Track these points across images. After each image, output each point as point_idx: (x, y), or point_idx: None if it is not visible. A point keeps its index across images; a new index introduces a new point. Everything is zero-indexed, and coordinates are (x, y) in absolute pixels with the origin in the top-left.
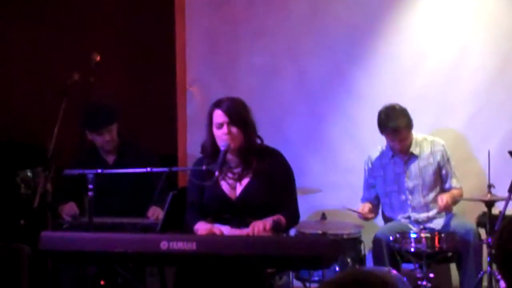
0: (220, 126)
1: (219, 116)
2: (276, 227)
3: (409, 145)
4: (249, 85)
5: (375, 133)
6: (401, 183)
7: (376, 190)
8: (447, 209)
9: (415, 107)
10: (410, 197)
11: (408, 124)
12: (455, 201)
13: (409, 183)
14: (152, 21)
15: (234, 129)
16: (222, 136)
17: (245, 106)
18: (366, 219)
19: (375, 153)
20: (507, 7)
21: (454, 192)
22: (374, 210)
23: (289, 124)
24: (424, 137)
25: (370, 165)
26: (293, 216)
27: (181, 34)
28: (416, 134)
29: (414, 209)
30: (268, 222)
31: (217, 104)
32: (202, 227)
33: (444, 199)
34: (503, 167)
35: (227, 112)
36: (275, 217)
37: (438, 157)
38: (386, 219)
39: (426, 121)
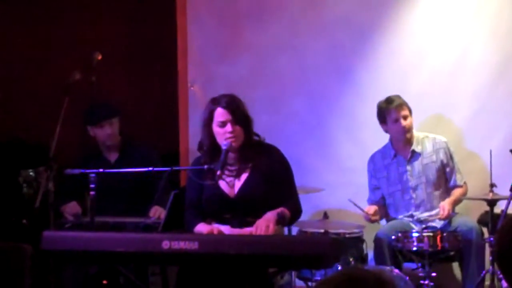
0: (223, 124)
1: (221, 114)
2: (281, 220)
3: (411, 138)
4: (250, 83)
5: (377, 132)
6: (404, 181)
7: (381, 191)
8: (448, 217)
9: (417, 105)
10: (413, 195)
11: (409, 106)
12: (457, 202)
13: (413, 181)
14: (153, 19)
15: (237, 127)
16: (225, 134)
17: (242, 102)
18: (370, 220)
19: (377, 154)
20: (510, 5)
21: (457, 193)
22: (380, 212)
23: (290, 122)
24: (426, 135)
25: (373, 166)
26: (296, 209)
27: (183, 32)
28: (417, 132)
29: (417, 207)
30: (271, 221)
31: (217, 102)
32: (203, 229)
33: (446, 208)
34: (505, 166)
35: (230, 110)
36: (279, 210)
37: (441, 155)
38: (390, 219)
39: (428, 119)
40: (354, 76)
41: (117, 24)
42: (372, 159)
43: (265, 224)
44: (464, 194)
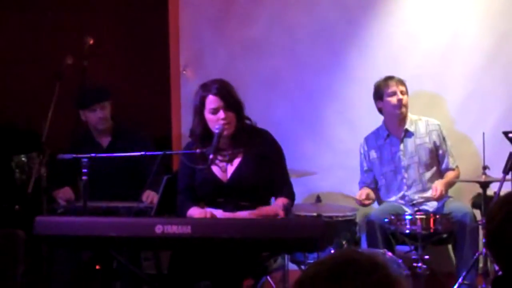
0: (215, 111)
1: (213, 101)
2: (286, 212)
3: (405, 118)
4: (241, 66)
5: (370, 114)
6: (397, 161)
7: (373, 173)
8: (441, 198)
9: (409, 88)
10: (406, 175)
11: (406, 86)
12: (450, 185)
13: (405, 161)
14: (145, 4)
15: (229, 113)
16: (217, 121)
17: (233, 88)
18: (363, 204)
19: (370, 136)
20: None
21: (450, 175)
22: (372, 195)
23: (282, 106)
24: (419, 117)
25: (366, 148)
26: (292, 195)
27: (174, 17)
28: (411, 114)
29: (409, 187)
30: (280, 212)
31: (208, 89)
32: (196, 213)
33: (438, 189)
34: (498, 148)
35: (221, 96)
36: (283, 202)
37: (434, 137)
38: (380, 202)
39: (421, 102)
40: (346, 59)
41: (108, 9)
42: (365, 142)
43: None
44: (457, 177)
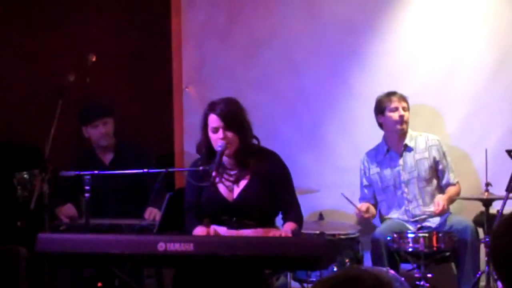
0: (216, 130)
1: (214, 120)
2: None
3: (405, 134)
4: (245, 84)
5: (372, 132)
6: (397, 176)
7: (372, 188)
8: (443, 213)
9: (412, 105)
10: (406, 189)
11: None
12: (452, 200)
13: (405, 176)
14: (148, 21)
15: (229, 134)
16: (217, 140)
17: (239, 108)
18: (362, 217)
19: (370, 153)
20: (506, 3)
21: (451, 191)
22: (372, 210)
23: (284, 123)
24: (419, 133)
25: (366, 164)
26: (301, 218)
27: (177, 34)
28: (411, 130)
29: (410, 202)
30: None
31: (212, 108)
32: (200, 233)
33: (440, 203)
34: (501, 166)
35: (222, 117)
36: (292, 227)
37: (434, 152)
38: (383, 218)
39: (423, 119)
40: (348, 76)
41: (111, 26)
42: (365, 157)
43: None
44: (458, 193)
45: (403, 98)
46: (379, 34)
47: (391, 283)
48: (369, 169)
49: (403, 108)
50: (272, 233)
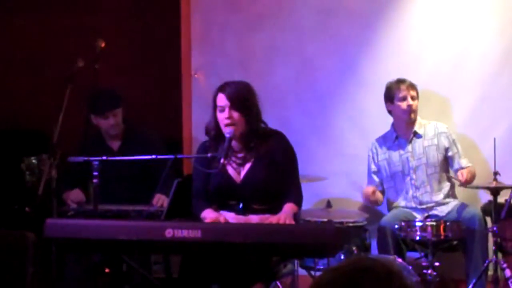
0: (222, 109)
1: (221, 99)
2: (296, 220)
3: (414, 121)
4: (254, 70)
5: (380, 120)
6: (405, 163)
7: (380, 175)
8: (467, 184)
9: (420, 94)
10: (414, 176)
11: (417, 90)
12: (473, 177)
13: (413, 162)
14: (157, 6)
15: (235, 114)
16: (223, 120)
17: (249, 91)
18: (369, 201)
19: (379, 139)
20: None
21: (471, 168)
22: (379, 194)
23: (293, 111)
24: (428, 121)
25: (374, 150)
26: (300, 198)
27: (186, 20)
28: (420, 118)
29: (417, 189)
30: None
31: (221, 88)
32: (209, 215)
33: (464, 174)
34: (509, 155)
35: (229, 96)
36: (292, 209)
37: (443, 139)
38: (390, 205)
39: (431, 108)
40: (357, 65)
41: (120, 12)
42: (373, 145)
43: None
44: (474, 172)
45: (412, 87)
46: (388, 23)
47: (400, 272)
48: (377, 155)
49: (412, 97)
50: (269, 219)
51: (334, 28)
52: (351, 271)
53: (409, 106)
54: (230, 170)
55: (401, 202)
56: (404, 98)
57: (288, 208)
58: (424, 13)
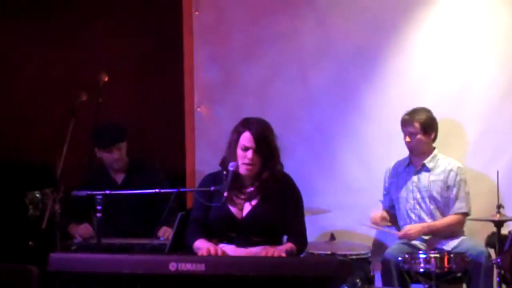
0: (246, 149)
1: (248, 140)
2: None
3: (426, 153)
4: (256, 104)
5: (384, 153)
6: (409, 191)
7: (390, 196)
8: (407, 239)
9: None
10: (417, 207)
11: (425, 123)
12: (433, 231)
13: (417, 193)
14: (160, 40)
15: (257, 157)
16: (244, 159)
17: (272, 132)
18: (377, 225)
19: (396, 163)
20: None
21: (444, 221)
22: (390, 219)
23: (297, 144)
24: (445, 157)
25: (388, 173)
26: (303, 244)
27: (189, 53)
28: (439, 153)
29: (421, 220)
30: (282, 252)
31: (248, 126)
32: (202, 246)
33: (412, 230)
34: None
35: (256, 138)
36: (288, 247)
37: (450, 177)
38: (396, 225)
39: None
40: (360, 98)
41: (124, 46)
42: (389, 167)
43: (275, 251)
44: (448, 225)
45: (406, 123)
46: (391, 55)
47: None
48: (389, 178)
49: (409, 134)
50: (264, 252)
51: (337, 61)
52: None
53: (407, 142)
54: (231, 205)
55: (402, 225)
56: (404, 135)
57: (286, 246)
58: (427, 45)
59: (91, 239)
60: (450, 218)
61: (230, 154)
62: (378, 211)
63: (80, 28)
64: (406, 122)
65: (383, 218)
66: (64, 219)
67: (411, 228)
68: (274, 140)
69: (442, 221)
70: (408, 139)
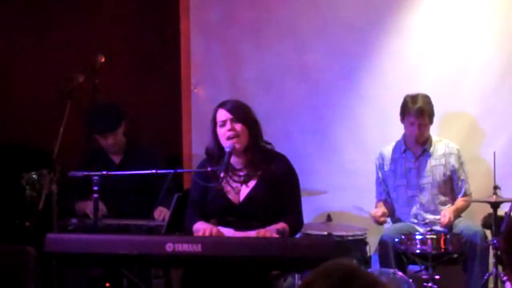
0: (223, 123)
1: (222, 114)
2: (280, 235)
3: (425, 139)
4: (254, 86)
5: (380, 134)
6: (410, 178)
7: (386, 184)
8: (448, 225)
9: None
10: (419, 193)
11: (431, 112)
12: (459, 212)
13: (419, 180)
14: (157, 22)
15: (237, 126)
16: (225, 133)
17: (249, 107)
18: (378, 222)
19: (387, 148)
20: None
21: (459, 203)
22: (387, 209)
23: (294, 125)
24: (440, 139)
25: (381, 160)
26: (297, 223)
27: (186, 35)
28: (433, 135)
29: (422, 206)
30: (273, 232)
31: (221, 104)
32: (201, 227)
33: (447, 215)
34: (509, 169)
35: (231, 110)
36: (280, 226)
37: (452, 160)
38: (394, 219)
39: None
40: (357, 80)
41: (120, 26)
42: (381, 154)
43: (267, 232)
44: (466, 206)
45: (422, 114)
46: (387, 37)
47: (383, 283)
48: (383, 165)
49: (419, 125)
50: (256, 233)
51: (333, 43)
52: (340, 279)
53: (416, 134)
54: (228, 189)
55: (403, 216)
56: (412, 124)
57: (277, 225)
58: (424, 26)
59: (103, 216)
60: (464, 199)
61: (212, 140)
62: (378, 209)
63: (76, 9)
64: (420, 112)
65: (383, 214)
66: (68, 197)
67: (445, 214)
68: (252, 113)
69: (462, 204)
70: (418, 130)
